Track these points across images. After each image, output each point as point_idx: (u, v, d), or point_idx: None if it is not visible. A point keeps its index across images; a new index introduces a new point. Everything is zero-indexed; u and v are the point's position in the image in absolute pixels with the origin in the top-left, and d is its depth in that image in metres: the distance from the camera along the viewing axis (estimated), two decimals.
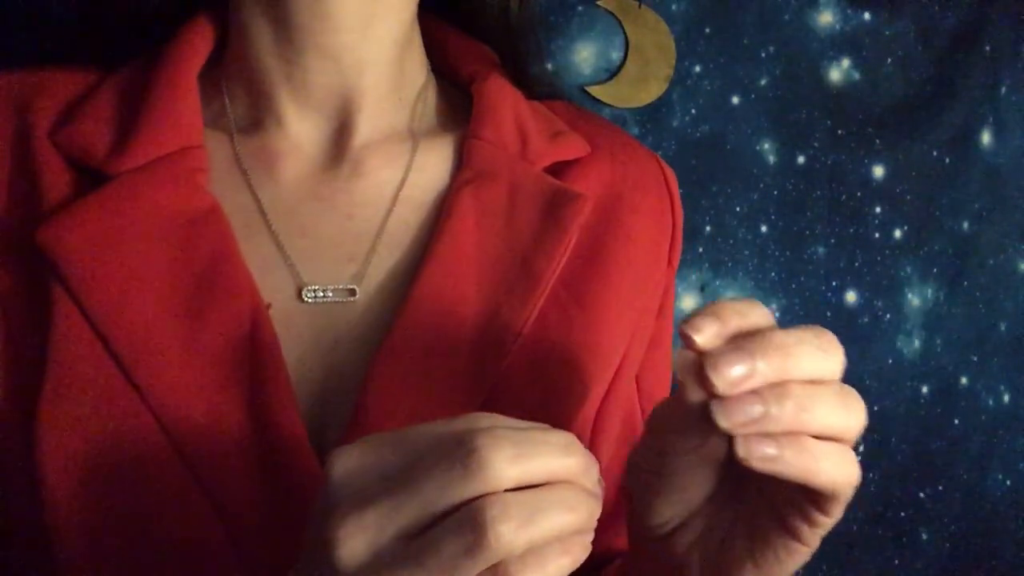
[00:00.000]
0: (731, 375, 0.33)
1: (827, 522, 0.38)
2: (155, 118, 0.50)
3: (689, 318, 0.35)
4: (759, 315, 0.36)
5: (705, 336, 0.34)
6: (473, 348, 0.48)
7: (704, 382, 0.33)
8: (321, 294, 0.50)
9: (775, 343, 0.34)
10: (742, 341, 0.34)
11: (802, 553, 0.40)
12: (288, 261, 0.50)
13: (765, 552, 0.40)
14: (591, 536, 0.35)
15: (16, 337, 0.47)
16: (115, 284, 0.46)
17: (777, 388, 0.34)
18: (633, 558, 0.50)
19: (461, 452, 0.33)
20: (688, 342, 0.34)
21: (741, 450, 0.34)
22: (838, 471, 0.35)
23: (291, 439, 0.45)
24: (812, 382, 0.35)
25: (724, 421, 0.33)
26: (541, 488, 0.34)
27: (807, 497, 0.37)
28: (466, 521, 0.32)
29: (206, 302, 0.47)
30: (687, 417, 0.36)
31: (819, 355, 0.35)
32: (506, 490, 0.33)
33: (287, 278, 0.50)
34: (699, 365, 0.34)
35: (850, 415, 0.35)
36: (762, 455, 0.34)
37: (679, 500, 0.41)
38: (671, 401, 0.38)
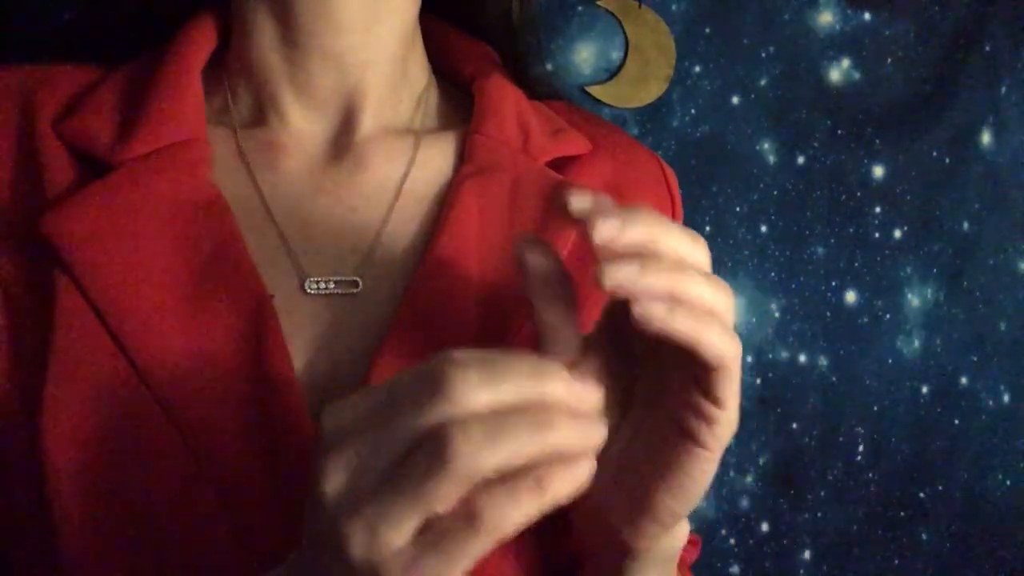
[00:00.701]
0: (608, 225, 0.36)
1: (721, 416, 0.40)
2: (158, 110, 0.50)
3: (567, 190, 0.38)
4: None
5: (578, 202, 0.37)
6: (475, 338, 0.49)
7: (585, 239, 0.36)
8: (324, 285, 0.50)
9: (648, 216, 0.37)
10: (617, 210, 0.37)
11: (706, 459, 0.41)
12: (291, 253, 0.50)
13: (672, 466, 0.41)
14: (582, 465, 0.34)
15: (21, 325, 0.47)
16: (118, 272, 0.46)
17: (652, 256, 0.36)
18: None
19: (428, 381, 0.33)
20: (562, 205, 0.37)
21: (637, 309, 0.36)
22: (723, 342, 0.37)
23: (296, 428, 0.45)
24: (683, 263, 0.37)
25: (607, 280, 0.35)
26: (512, 411, 0.34)
27: (696, 387, 0.39)
28: (430, 443, 0.32)
29: (210, 291, 0.47)
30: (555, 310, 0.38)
31: (687, 239, 0.38)
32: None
33: (290, 270, 0.50)
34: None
35: (719, 294, 0.38)
36: (656, 312, 0.36)
37: None
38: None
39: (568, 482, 0.33)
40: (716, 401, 0.39)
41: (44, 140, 0.50)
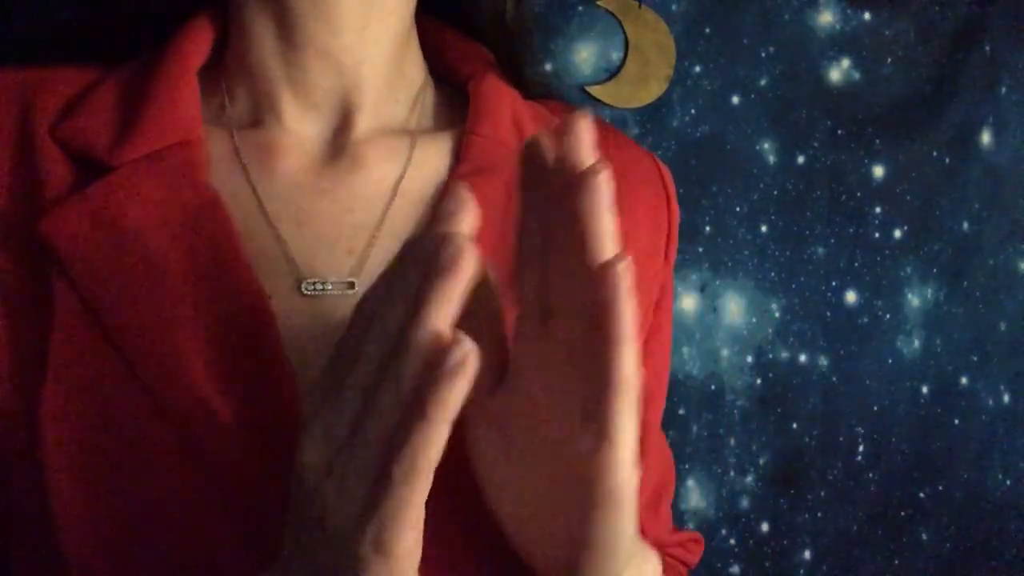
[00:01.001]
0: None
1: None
2: (155, 112, 0.51)
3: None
4: None
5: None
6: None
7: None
8: (320, 287, 0.50)
9: None
10: None
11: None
12: (288, 254, 0.50)
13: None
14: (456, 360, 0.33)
15: (18, 326, 0.47)
16: (114, 272, 0.47)
17: None
18: None
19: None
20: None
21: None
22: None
23: (293, 428, 0.45)
24: None
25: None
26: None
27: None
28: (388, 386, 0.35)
29: (206, 292, 0.47)
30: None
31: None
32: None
33: (286, 271, 0.50)
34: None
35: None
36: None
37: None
38: None
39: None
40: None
41: (42, 142, 0.50)
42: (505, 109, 0.57)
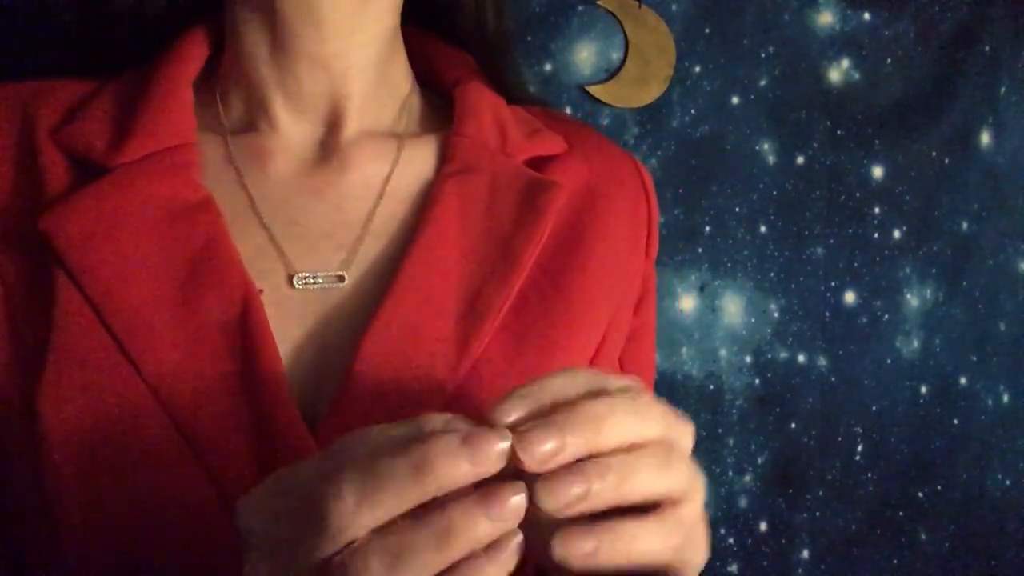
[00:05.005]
0: (540, 451, 0.32)
1: None
2: (151, 118, 0.53)
3: (497, 402, 0.34)
4: (574, 387, 0.35)
5: (512, 417, 0.34)
6: (456, 327, 0.51)
7: (516, 461, 0.32)
8: (311, 280, 0.52)
9: (585, 415, 0.34)
10: (552, 416, 0.34)
11: None
12: (279, 250, 0.53)
13: None
14: (506, 547, 0.32)
15: (21, 320, 0.49)
16: (112, 268, 0.49)
17: (598, 462, 0.33)
18: None
19: (311, 513, 0.32)
20: (493, 422, 0.34)
21: (559, 550, 0.33)
22: (657, 544, 0.35)
23: (283, 414, 0.47)
24: (631, 448, 0.35)
25: (550, 502, 0.32)
26: (408, 523, 0.32)
27: None
28: None
29: (199, 286, 0.49)
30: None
31: (633, 421, 0.35)
32: (377, 528, 0.32)
33: (278, 266, 0.52)
34: (508, 450, 0.32)
35: (671, 476, 0.35)
36: (581, 552, 0.33)
37: None
38: None
39: (498, 568, 0.32)
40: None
41: (43, 147, 0.52)
42: (487, 112, 0.59)
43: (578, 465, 0.33)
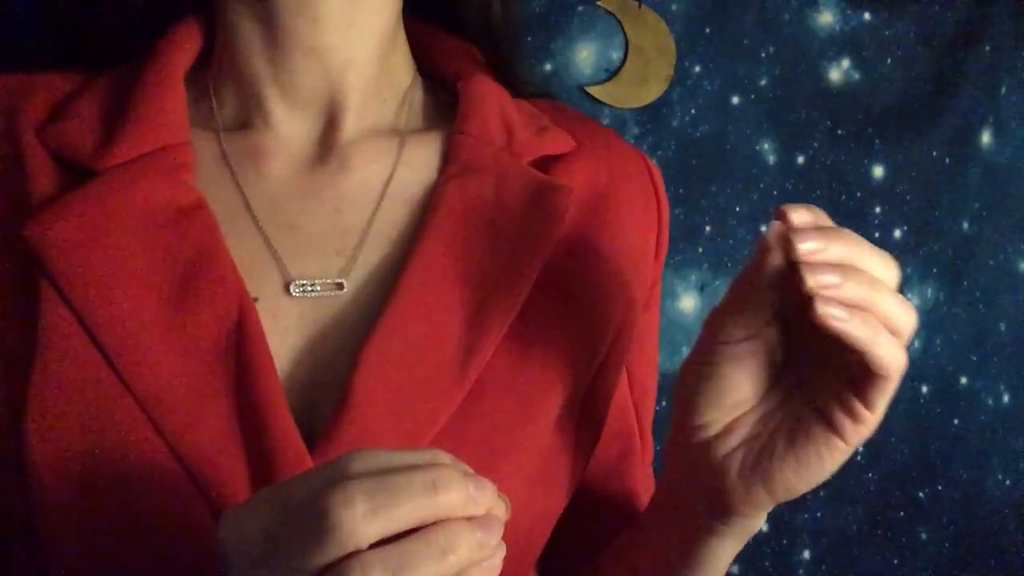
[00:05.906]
0: (810, 244, 0.40)
1: (869, 418, 0.43)
2: (141, 116, 0.51)
3: (787, 205, 0.42)
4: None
5: (798, 216, 0.42)
6: (460, 339, 0.49)
7: (789, 247, 0.40)
8: (309, 288, 0.50)
9: (849, 237, 0.41)
10: (825, 229, 0.41)
11: (842, 451, 0.44)
12: (275, 256, 0.51)
13: (807, 449, 0.44)
14: (491, 565, 0.35)
15: (5, 331, 0.47)
16: (100, 277, 0.46)
17: (852, 269, 0.40)
18: (671, 469, 0.51)
19: (315, 516, 0.33)
20: (782, 218, 0.42)
21: (819, 307, 0.39)
22: (892, 352, 0.41)
23: (278, 428, 0.45)
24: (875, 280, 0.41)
25: (810, 279, 0.39)
26: (410, 537, 0.33)
27: (851, 387, 0.42)
28: None
29: (191, 295, 0.47)
30: (757, 289, 0.43)
31: (880, 260, 0.42)
32: (375, 543, 0.33)
33: (274, 272, 0.50)
34: (786, 235, 0.41)
35: (905, 314, 0.42)
36: (836, 314, 0.39)
37: (725, 401, 0.45)
38: (739, 283, 0.46)
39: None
40: (868, 404, 0.43)
41: (28, 147, 0.50)
42: (494, 108, 0.56)
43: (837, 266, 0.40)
